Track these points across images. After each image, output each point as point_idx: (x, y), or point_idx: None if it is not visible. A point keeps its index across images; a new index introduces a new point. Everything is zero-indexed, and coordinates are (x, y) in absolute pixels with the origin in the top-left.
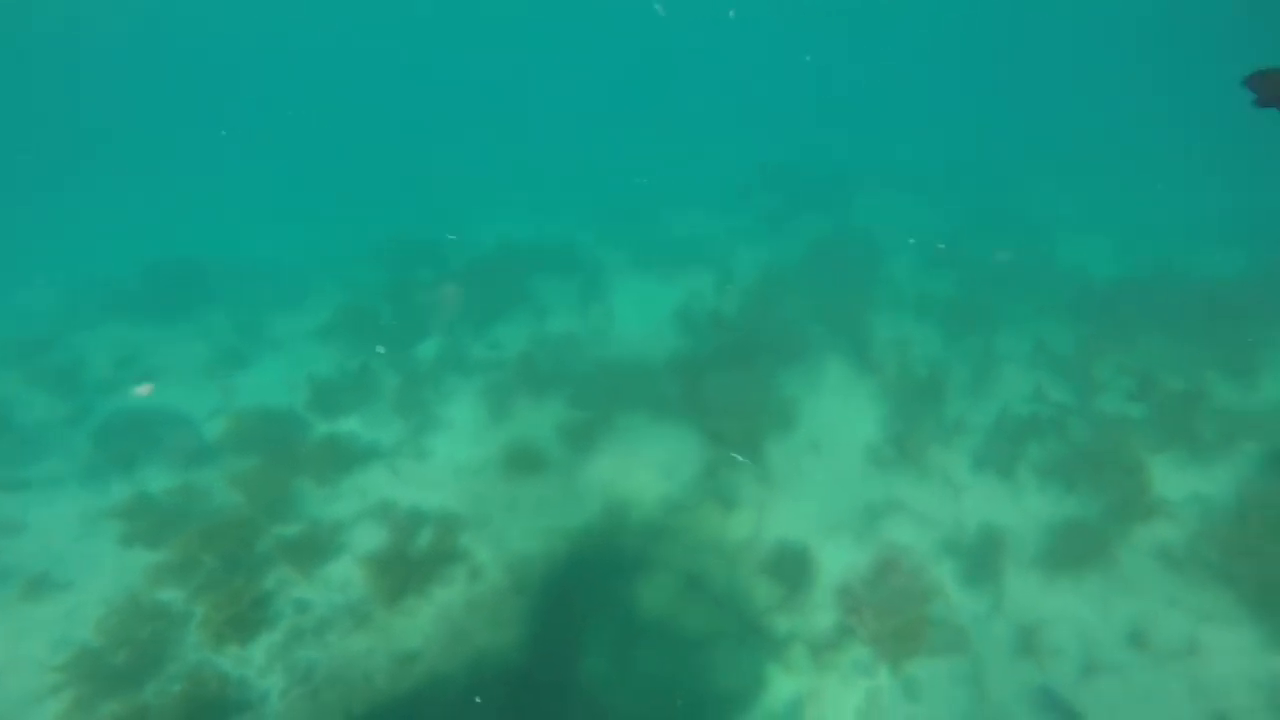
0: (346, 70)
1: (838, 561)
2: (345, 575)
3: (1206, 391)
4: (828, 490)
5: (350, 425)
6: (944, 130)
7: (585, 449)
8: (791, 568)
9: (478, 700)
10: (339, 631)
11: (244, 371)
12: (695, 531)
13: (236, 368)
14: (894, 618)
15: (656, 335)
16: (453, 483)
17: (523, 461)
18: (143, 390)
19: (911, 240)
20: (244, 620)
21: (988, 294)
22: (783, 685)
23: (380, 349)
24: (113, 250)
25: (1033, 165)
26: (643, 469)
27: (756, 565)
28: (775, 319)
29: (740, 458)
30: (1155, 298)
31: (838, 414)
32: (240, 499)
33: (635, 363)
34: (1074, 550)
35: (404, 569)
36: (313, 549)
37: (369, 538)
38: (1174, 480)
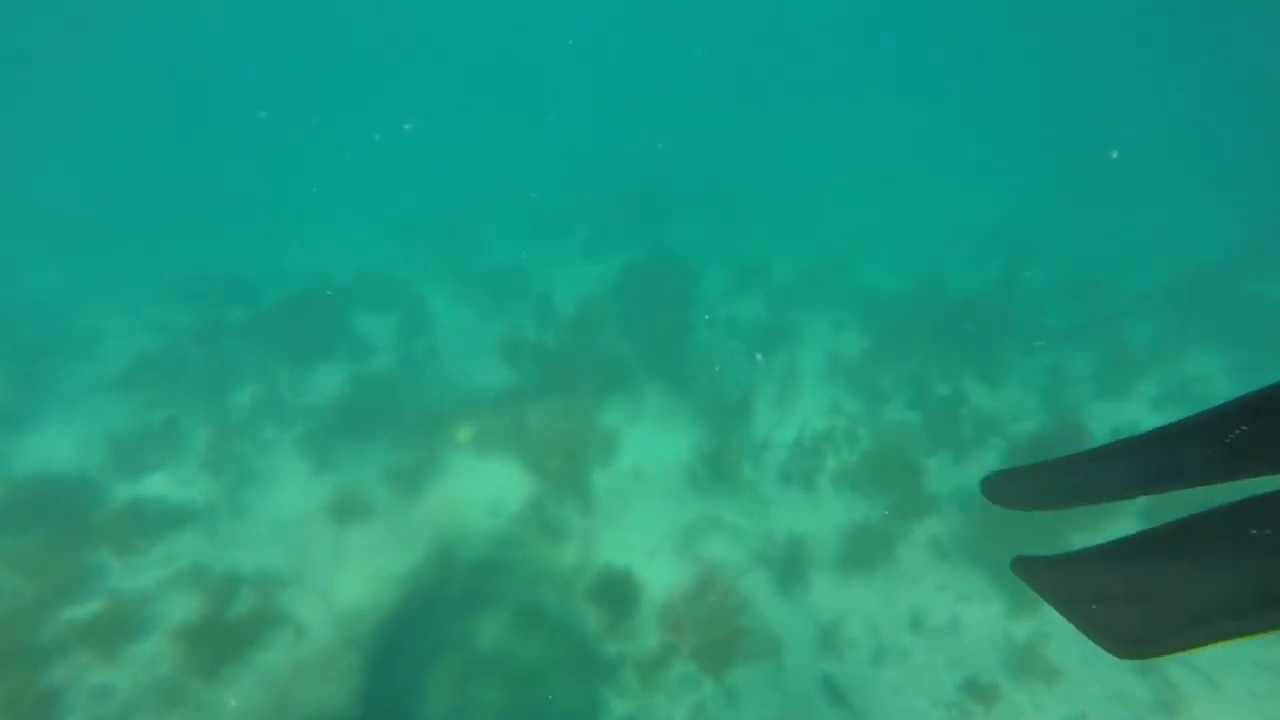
0: (135, 84)
1: (660, 583)
2: (154, 652)
3: (966, 395)
4: (648, 515)
5: (155, 486)
6: (753, 155)
7: (412, 491)
8: (618, 593)
9: None
10: (147, 715)
11: (20, 433)
12: (526, 565)
13: (10, 429)
14: (713, 631)
15: (480, 369)
16: (273, 539)
17: (347, 509)
18: None
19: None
20: None
21: (791, 312)
22: (616, 707)
23: None
24: None
25: (829, 185)
26: (470, 507)
27: (585, 593)
28: (596, 348)
29: None
30: (927, 310)
31: (657, 439)
32: (18, 582)
33: (460, 399)
34: (865, 550)
35: (220, 637)
36: (113, 628)
37: (180, 608)
38: (942, 477)
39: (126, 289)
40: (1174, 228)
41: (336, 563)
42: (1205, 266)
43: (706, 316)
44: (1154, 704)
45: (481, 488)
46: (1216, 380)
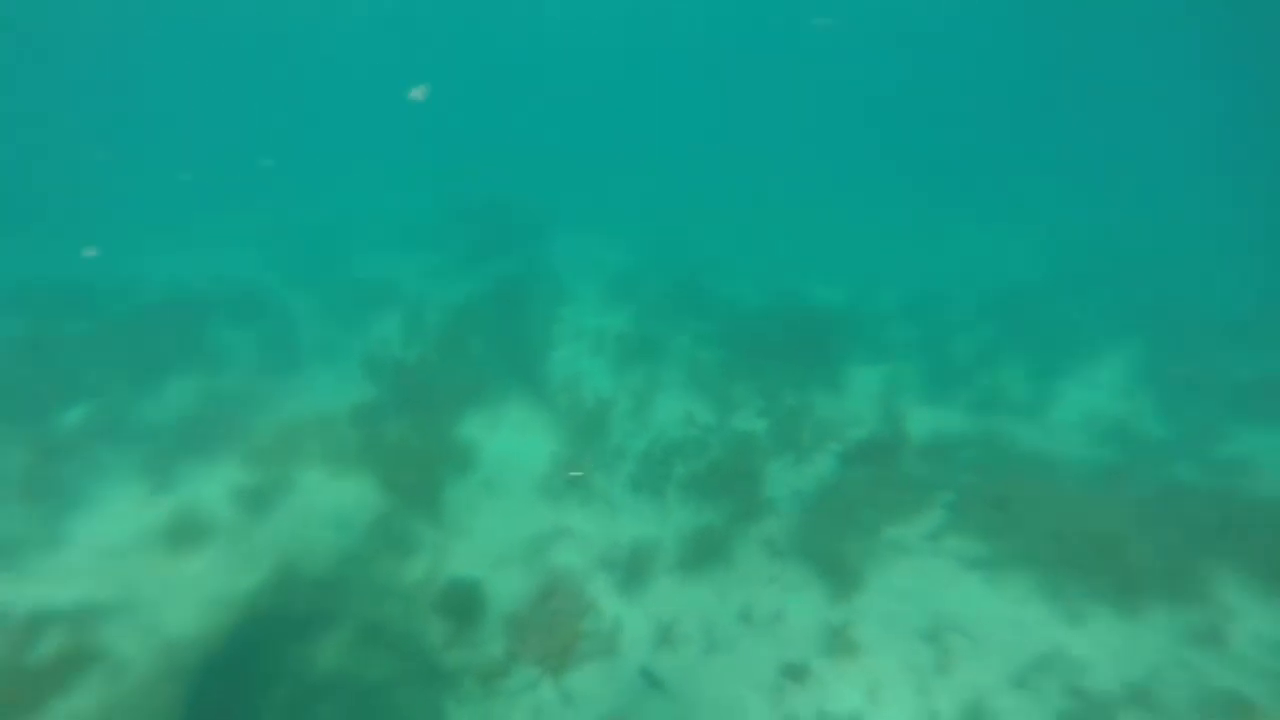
0: None
1: (506, 592)
2: None
3: (811, 404)
4: (500, 525)
5: None
6: (627, 174)
7: (258, 510)
8: (463, 604)
9: None
10: None
11: None
12: (372, 581)
13: None
14: (555, 635)
15: (341, 384)
16: (95, 570)
17: (185, 532)
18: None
19: None
20: None
21: (655, 327)
22: (456, 716)
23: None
24: None
25: (699, 205)
26: (318, 525)
27: (431, 605)
28: (460, 362)
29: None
30: (783, 324)
31: (514, 451)
32: None
33: (317, 415)
34: (704, 552)
35: (19, 683)
36: None
37: None
38: (781, 481)
39: None
40: (998, 253)
41: (167, 590)
42: (1016, 285)
43: (572, 330)
44: (934, 667)
45: (331, 505)
46: (1022, 385)
